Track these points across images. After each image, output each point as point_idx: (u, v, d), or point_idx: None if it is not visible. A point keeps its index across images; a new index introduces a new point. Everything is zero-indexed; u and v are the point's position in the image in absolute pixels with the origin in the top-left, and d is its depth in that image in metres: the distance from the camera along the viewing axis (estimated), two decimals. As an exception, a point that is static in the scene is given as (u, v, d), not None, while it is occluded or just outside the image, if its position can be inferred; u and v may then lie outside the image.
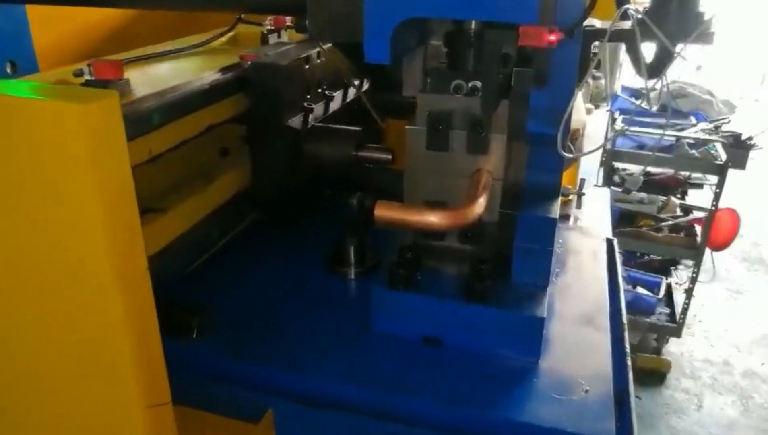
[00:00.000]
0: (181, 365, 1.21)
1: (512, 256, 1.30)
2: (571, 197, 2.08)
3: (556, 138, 1.15)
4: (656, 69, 1.17)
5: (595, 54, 1.19)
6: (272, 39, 1.85)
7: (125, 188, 0.80)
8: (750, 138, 3.86)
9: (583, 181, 2.15)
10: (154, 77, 1.45)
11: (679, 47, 1.09)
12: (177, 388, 1.01)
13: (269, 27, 1.83)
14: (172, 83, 1.35)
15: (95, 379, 0.92)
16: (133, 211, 0.82)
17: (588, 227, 1.92)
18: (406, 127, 1.30)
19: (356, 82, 1.81)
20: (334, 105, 1.72)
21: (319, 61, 1.65)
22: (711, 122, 4.24)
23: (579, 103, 2.46)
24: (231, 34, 1.89)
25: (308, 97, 1.59)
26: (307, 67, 1.58)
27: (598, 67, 1.12)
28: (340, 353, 1.26)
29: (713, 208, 3.80)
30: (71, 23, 1.93)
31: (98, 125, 0.74)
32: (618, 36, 1.14)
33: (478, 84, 1.21)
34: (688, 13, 1.10)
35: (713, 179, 3.89)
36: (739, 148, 3.78)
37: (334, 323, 1.36)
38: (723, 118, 4.35)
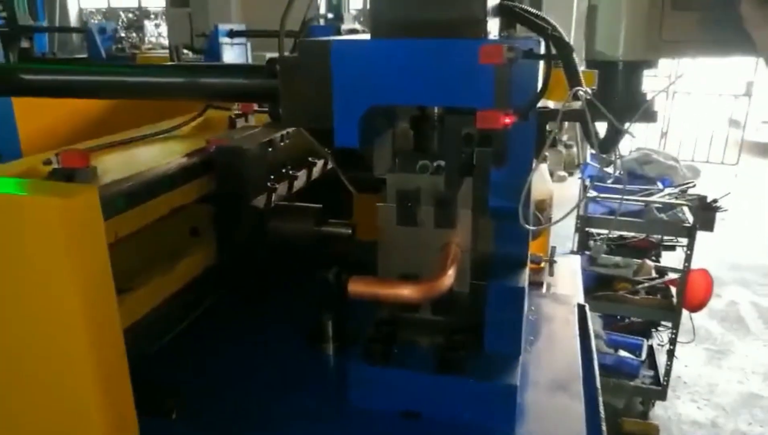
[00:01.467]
0: (158, 448, 1.21)
1: (484, 325, 1.34)
2: (542, 265, 2.15)
3: (518, 212, 1.22)
4: (608, 145, 1.26)
5: (550, 132, 1.27)
6: (240, 123, 1.94)
7: (104, 279, 0.84)
8: (715, 201, 4.00)
9: (554, 248, 2.22)
10: (122, 163, 1.51)
11: (626, 125, 1.18)
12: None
13: (237, 112, 1.92)
14: (139, 169, 1.42)
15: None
16: (112, 301, 0.85)
17: (560, 294, 1.97)
18: (378, 204, 1.36)
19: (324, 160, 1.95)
20: (299, 183, 1.85)
21: (283, 143, 1.77)
22: (677, 187, 4.39)
23: (545, 174, 2.57)
24: (201, 119, 1.97)
25: (272, 177, 1.69)
26: (270, 149, 1.69)
27: (554, 145, 1.20)
28: (319, 431, 1.27)
29: (685, 270, 3.89)
30: (56, 110, 2.00)
31: (78, 220, 0.79)
32: (571, 116, 1.23)
33: (443, 163, 1.28)
34: (631, 93, 1.20)
35: (685, 240, 4.00)
36: (705, 211, 3.90)
37: (313, 400, 1.36)
38: (688, 183, 4.51)
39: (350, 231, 1.65)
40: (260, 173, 1.65)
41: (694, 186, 4.49)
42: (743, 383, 4.78)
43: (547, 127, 1.26)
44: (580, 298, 1.99)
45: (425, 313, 1.41)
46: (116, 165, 1.47)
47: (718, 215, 3.98)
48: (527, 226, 1.25)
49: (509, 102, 1.14)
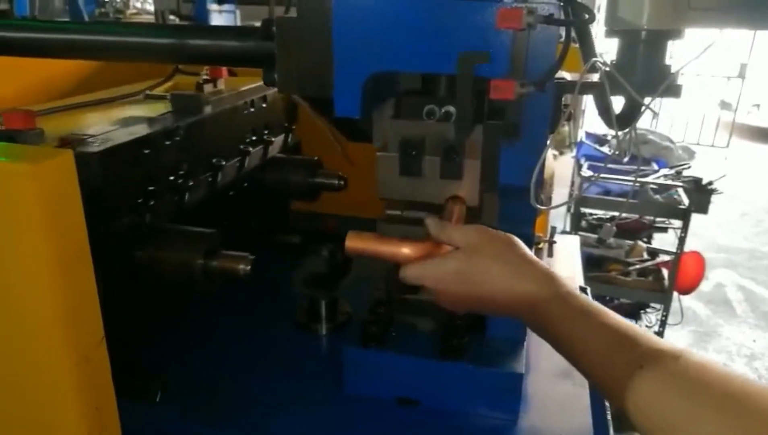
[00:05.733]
0: (140, 432, 1.14)
1: (488, 309, 1.27)
2: (541, 245, 2.08)
3: (529, 190, 1.14)
4: (626, 121, 1.18)
5: (566, 106, 1.19)
6: (207, 89, 1.72)
7: (81, 252, 0.75)
8: (710, 183, 3.96)
9: (554, 229, 2.16)
10: (73, 129, 1.32)
11: (647, 99, 1.10)
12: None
13: (205, 77, 1.79)
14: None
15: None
16: (89, 275, 0.77)
17: (560, 276, 1.91)
18: (377, 153, 1.24)
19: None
20: (197, 195, 1.45)
21: (169, 142, 1.35)
22: (672, 168, 4.34)
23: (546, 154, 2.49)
24: (169, 84, 1.85)
25: (150, 189, 1.29)
26: (147, 151, 1.27)
27: (569, 119, 1.12)
28: (310, 417, 1.20)
29: (678, 253, 3.86)
30: (30, 73, 1.88)
31: (51, 187, 0.70)
32: (587, 88, 1.15)
33: (452, 109, 1.18)
34: (654, 65, 1.11)
35: (677, 223, 3.96)
36: (700, 193, 3.86)
37: (304, 384, 1.30)
38: (683, 164, 4.47)
39: (247, 267, 1.28)
40: (123, 187, 1.21)
41: (689, 167, 4.45)
42: (728, 366, 4.80)
43: (563, 100, 1.18)
44: (581, 280, 1.93)
45: (426, 294, 1.34)
46: (65, 130, 1.28)
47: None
48: (538, 206, 1.18)
49: (525, 71, 1.06)
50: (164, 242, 1.27)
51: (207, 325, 1.50)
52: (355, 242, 1.10)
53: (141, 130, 1.31)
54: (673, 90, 1.10)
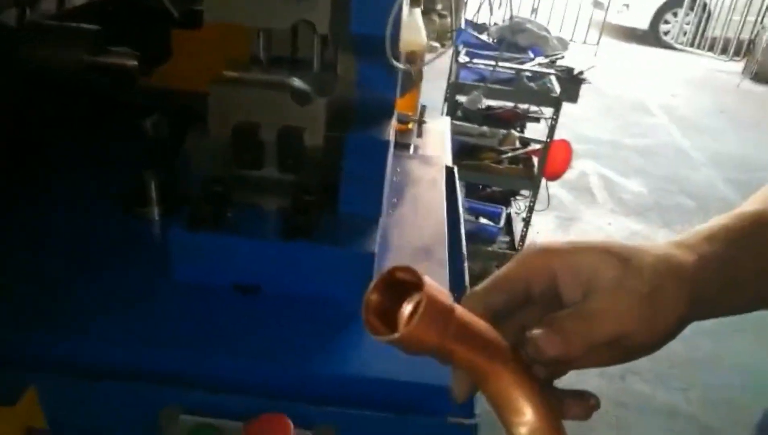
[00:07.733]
0: None
1: (340, 184, 1.13)
2: (410, 126, 1.96)
3: (384, 41, 0.97)
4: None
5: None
6: None
7: None
8: (581, 72, 4.02)
9: (423, 107, 2.03)
10: None
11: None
12: None
13: None
14: None
15: None
16: None
17: (428, 156, 1.81)
18: None
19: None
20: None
21: None
22: (547, 57, 4.35)
23: (418, 24, 2.32)
24: None
25: None
26: None
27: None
28: (130, 311, 1.02)
29: (548, 140, 3.94)
30: None
31: None
32: None
33: None
34: None
35: (549, 112, 4.02)
36: (571, 82, 3.91)
37: (130, 275, 1.10)
38: (557, 54, 4.49)
39: (135, 63, 1.32)
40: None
41: (563, 58, 4.49)
42: (586, 246, 5.16)
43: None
44: (449, 160, 1.85)
45: (270, 170, 1.16)
46: None
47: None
48: (396, 64, 1.02)
49: None
50: (48, 37, 1.28)
51: (15, 215, 1.24)
52: None
53: None
54: None
